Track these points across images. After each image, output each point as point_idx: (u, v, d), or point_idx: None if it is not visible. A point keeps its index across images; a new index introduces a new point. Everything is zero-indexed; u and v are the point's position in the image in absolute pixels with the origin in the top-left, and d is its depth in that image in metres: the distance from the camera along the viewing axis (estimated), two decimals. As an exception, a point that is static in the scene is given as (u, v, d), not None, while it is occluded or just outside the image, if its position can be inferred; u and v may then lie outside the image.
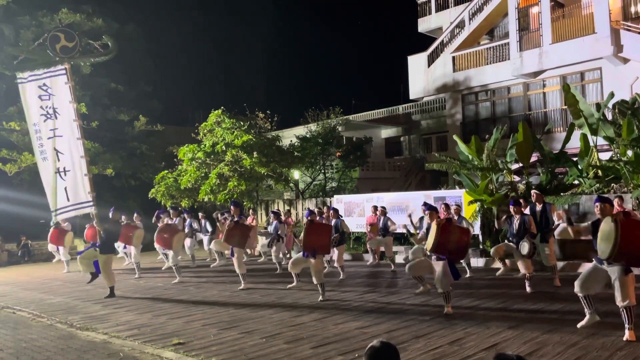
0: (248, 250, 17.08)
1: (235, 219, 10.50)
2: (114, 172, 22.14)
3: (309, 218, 9.06)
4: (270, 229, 13.15)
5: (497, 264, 11.04)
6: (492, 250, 9.42)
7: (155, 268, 14.67)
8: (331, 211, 12.30)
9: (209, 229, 15.26)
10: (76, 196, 10.66)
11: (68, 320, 8.04)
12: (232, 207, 10.83)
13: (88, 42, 10.98)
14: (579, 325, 6.20)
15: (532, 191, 10.04)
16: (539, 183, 13.41)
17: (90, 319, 8.08)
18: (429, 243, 7.39)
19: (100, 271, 10.40)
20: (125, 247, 14.13)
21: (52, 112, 10.64)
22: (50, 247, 16.05)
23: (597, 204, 6.06)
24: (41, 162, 10.88)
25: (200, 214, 15.86)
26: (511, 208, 9.01)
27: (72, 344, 6.73)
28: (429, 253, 7.63)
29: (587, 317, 6.21)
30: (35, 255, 19.30)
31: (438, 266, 7.43)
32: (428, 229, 7.81)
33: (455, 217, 10.89)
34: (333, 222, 11.81)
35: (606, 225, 5.73)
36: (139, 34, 26.40)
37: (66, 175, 10.66)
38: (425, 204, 8.22)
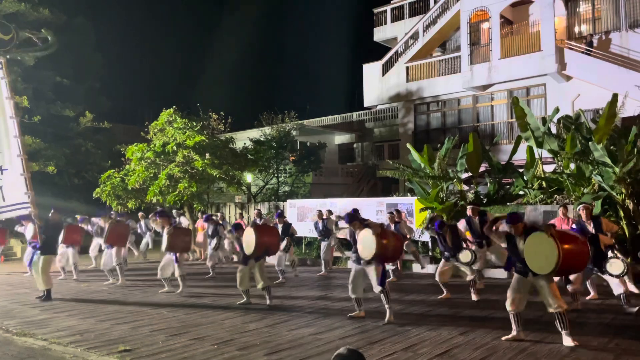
0: (197, 253, 16.74)
1: (167, 227, 10.16)
2: (56, 169, 21.14)
3: (255, 223, 8.96)
4: (209, 232, 12.93)
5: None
6: (437, 276, 9.25)
7: (95, 271, 14.05)
8: (276, 218, 12.17)
9: (151, 227, 14.90)
10: (12, 197, 10.06)
11: (4, 325, 7.54)
12: (157, 218, 10.42)
13: (26, 35, 10.41)
14: (504, 339, 6.17)
15: (469, 207, 10.13)
16: (487, 192, 13.83)
17: (28, 324, 7.62)
18: (366, 253, 7.31)
19: (36, 272, 9.90)
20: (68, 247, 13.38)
21: None
22: None
23: (509, 225, 6.12)
24: None
25: (140, 214, 15.38)
26: (435, 232, 9.15)
27: (8, 350, 6.31)
28: (366, 260, 7.46)
29: (514, 333, 6.21)
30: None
31: (371, 271, 7.44)
32: (352, 236, 7.63)
33: (392, 224, 11.06)
34: (280, 226, 11.69)
35: (539, 242, 5.76)
36: (89, 27, 25.43)
37: (2, 175, 10.04)
38: (347, 215, 7.85)
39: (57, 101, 22.57)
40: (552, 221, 10.73)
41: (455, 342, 6.16)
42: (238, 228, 9.19)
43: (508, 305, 6.21)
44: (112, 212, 14.98)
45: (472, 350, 5.79)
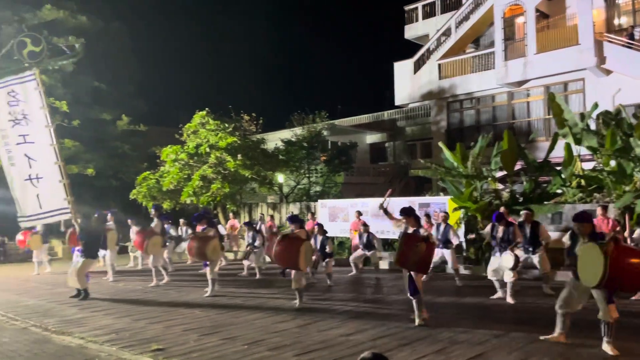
0: (230, 255, 16.87)
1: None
2: (94, 171, 21.75)
3: (283, 235, 8.84)
4: (247, 239, 12.94)
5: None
6: (490, 272, 9.12)
7: (132, 271, 14.38)
8: (315, 226, 11.99)
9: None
10: (50, 203, 10.38)
11: (43, 324, 7.80)
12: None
13: (55, 44, 10.87)
14: (542, 338, 6.05)
15: (523, 212, 9.65)
16: (522, 191, 13.47)
17: (66, 323, 7.85)
18: (395, 255, 7.26)
19: (73, 272, 10.14)
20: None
21: (22, 117, 10.43)
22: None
23: (575, 224, 5.86)
24: (9, 168, 10.56)
25: (181, 221, 15.48)
26: (491, 227, 9.03)
27: (47, 348, 6.51)
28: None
29: (555, 334, 6.06)
30: (11, 255, 18.82)
31: (405, 274, 7.31)
32: (405, 231, 7.34)
33: (443, 225, 10.88)
34: (320, 238, 11.51)
35: (591, 254, 5.52)
36: (125, 32, 26.07)
37: (39, 183, 10.36)
38: (406, 208, 7.50)
39: (95, 105, 23.22)
40: None
41: (489, 345, 6.00)
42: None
43: (559, 303, 5.99)
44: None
45: (506, 354, 5.64)
